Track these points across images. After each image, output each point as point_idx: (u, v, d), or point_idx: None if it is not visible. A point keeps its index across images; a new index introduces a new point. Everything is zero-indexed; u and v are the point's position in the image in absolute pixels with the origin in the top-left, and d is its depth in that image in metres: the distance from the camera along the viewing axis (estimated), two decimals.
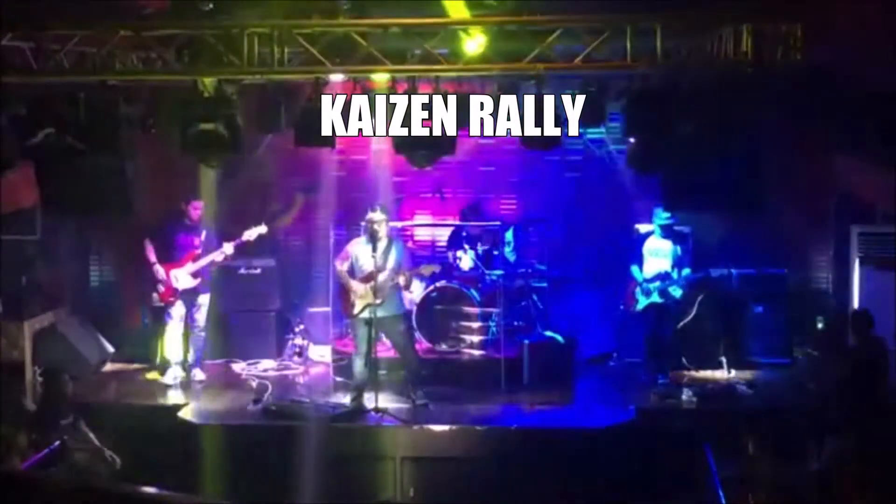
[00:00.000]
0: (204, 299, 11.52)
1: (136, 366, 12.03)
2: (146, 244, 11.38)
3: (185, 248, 11.35)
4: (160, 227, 11.46)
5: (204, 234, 11.42)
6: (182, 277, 11.28)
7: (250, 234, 11.36)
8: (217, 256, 11.34)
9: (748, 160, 8.95)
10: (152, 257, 11.35)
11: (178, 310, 11.38)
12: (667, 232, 10.99)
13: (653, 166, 9.56)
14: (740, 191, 9.12)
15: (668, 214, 10.85)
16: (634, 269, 11.09)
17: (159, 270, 11.30)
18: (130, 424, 10.05)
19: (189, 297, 11.40)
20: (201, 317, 11.52)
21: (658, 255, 11.02)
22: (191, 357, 11.56)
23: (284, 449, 9.72)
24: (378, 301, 10.22)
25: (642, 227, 11.55)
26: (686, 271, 10.95)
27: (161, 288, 11.34)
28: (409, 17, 8.90)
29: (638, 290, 11.04)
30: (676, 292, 10.94)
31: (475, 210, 12.25)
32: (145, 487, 2.41)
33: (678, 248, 11.00)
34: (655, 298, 10.95)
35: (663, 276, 10.94)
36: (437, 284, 11.52)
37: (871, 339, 9.53)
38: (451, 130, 9.01)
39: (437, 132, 8.95)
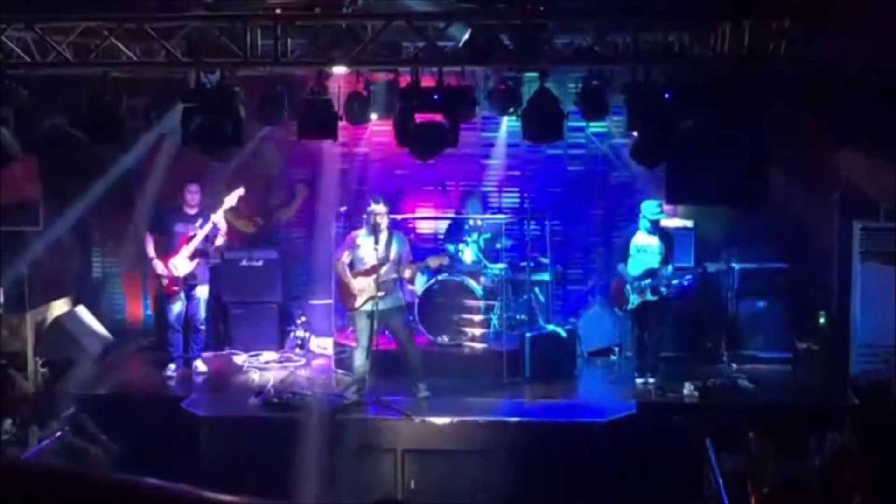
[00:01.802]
0: (202, 292, 11.47)
1: (137, 357, 12.04)
2: (146, 238, 11.35)
3: (181, 236, 11.29)
4: (161, 219, 11.44)
5: (200, 221, 11.36)
6: (181, 264, 11.23)
7: (231, 200, 11.22)
8: (208, 229, 11.18)
9: (751, 154, 8.95)
10: (151, 252, 11.31)
11: (178, 302, 11.35)
12: (654, 227, 10.82)
13: (655, 160, 9.55)
14: (743, 185, 9.11)
15: (659, 209, 10.67)
16: (621, 267, 10.91)
17: (158, 265, 11.26)
18: (132, 416, 10.07)
19: (188, 289, 11.36)
20: (200, 309, 11.48)
21: (646, 251, 10.78)
22: (191, 349, 11.56)
23: (285, 441, 9.73)
24: (381, 294, 10.24)
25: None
26: (669, 269, 10.76)
27: (165, 281, 11.32)
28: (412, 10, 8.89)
29: (628, 288, 10.85)
30: (665, 289, 10.84)
31: (476, 198, 12.24)
32: (146, 479, 2.41)
33: (665, 243, 10.81)
34: (648, 296, 10.79)
35: (652, 273, 10.77)
36: (439, 277, 11.52)
37: None
38: (454, 123, 9.00)
39: (438, 125, 8.95)
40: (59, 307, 11.95)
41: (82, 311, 12.10)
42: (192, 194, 11.36)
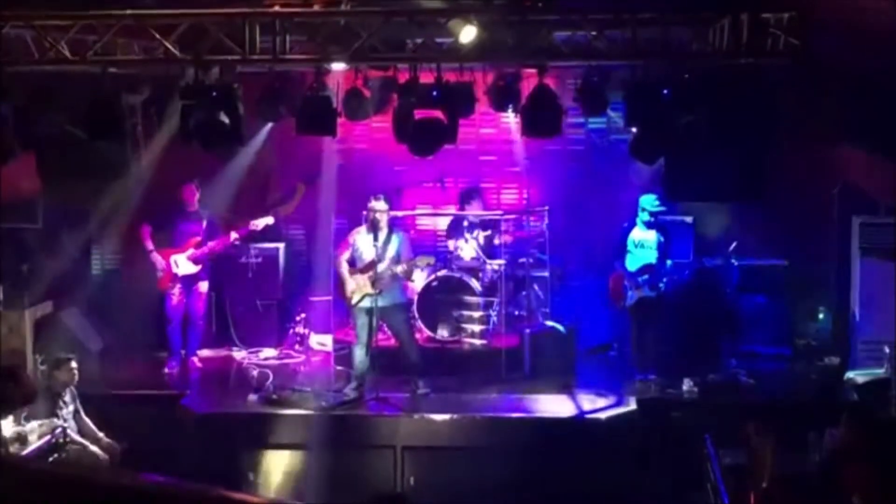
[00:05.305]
0: (203, 286, 11.52)
1: (136, 354, 12.03)
2: (144, 231, 11.38)
3: (186, 234, 11.36)
4: (161, 214, 11.46)
5: (206, 222, 11.43)
6: (182, 263, 11.28)
7: (257, 224, 11.39)
8: (221, 245, 11.34)
9: (750, 150, 8.94)
10: (150, 245, 11.36)
11: (176, 297, 11.37)
12: (653, 221, 10.80)
13: (655, 156, 9.54)
14: (742, 180, 9.11)
15: (657, 202, 10.65)
16: (619, 263, 10.88)
17: (157, 259, 11.30)
18: (131, 413, 10.05)
19: (188, 284, 11.40)
20: (199, 304, 11.51)
21: (643, 246, 10.79)
22: (188, 344, 11.56)
23: (285, 438, 9.73)
24: (376, 291, 10.22)
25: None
26: (668, 263, 10.76)
27: (160, 274, 11.34)
28: (411, 6, 8.88)
29: (626, 284, 10.81)
30: (663, 285, 10.79)
31: (473, 195, 12.23)
32: (146, 476, 2.41)
33: (662, 238, 10.81)
34: (646, 292, 10.79)
35: (650, 269, 10.75)
36: (438, 274, 11.52)
37: None
38: (452, 119, 9.00)
39: (437, 121, 8.94)
40: (59, 305, 11.93)
41: (81, 309, 12.08)
42: (191, 193, 11.41)
